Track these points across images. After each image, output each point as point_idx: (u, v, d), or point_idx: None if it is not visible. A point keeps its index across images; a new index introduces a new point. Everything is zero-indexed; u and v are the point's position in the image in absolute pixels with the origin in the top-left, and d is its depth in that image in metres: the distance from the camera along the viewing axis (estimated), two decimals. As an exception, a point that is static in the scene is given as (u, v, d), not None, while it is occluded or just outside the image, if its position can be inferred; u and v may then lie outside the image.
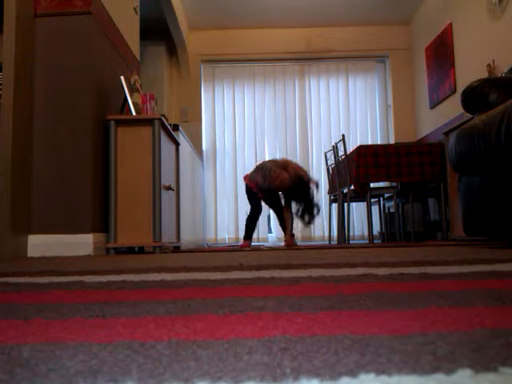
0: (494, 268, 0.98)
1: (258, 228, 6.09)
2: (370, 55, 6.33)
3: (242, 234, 6.07)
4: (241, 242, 6.06)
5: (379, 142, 6.23)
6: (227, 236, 6.10)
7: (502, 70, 4.04)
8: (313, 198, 3.44)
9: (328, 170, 5.17)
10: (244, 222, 3.92)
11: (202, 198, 5.54)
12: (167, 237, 3.15)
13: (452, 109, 5.00)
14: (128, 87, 3.06)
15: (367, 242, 4.72)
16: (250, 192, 3.81)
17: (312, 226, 5.67)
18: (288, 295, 0.65)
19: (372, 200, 4.67)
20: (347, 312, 0.51)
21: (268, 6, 5.70)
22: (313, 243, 5.55)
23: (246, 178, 3.85)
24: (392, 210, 5.42)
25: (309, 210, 3.40)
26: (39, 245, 2.64)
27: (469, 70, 4.65)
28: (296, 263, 1.30)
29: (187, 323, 0.47)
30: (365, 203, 4.64)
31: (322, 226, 6.02)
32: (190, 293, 0.71)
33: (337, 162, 4.67)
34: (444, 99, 5.23)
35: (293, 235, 3.86)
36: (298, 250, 2.76)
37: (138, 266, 1.35)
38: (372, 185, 4.41)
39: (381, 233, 5.07)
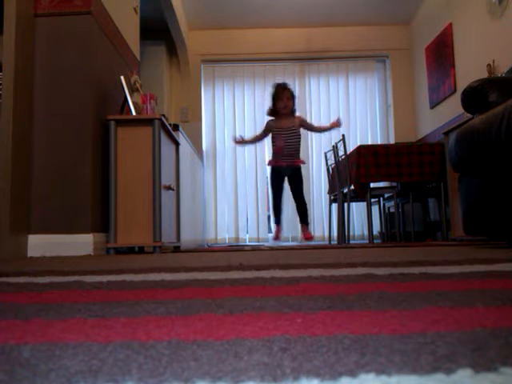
0: (494, 268, 0.98)
1: (258, 228, 6.09)
2: (370, 55, 6.33)
3: (241, 234, 6.10)
4: (241, 241, 6.10)
5: (379, 142, 6.23)
6: (227, 236, 6.10)
7: (502, 70, 4.04)
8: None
9: (328, 169, 5.18)
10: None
11: (202, 198, 5.54)
12: (167, 237, 3.15)
13: (452, 109, 5.00)
14: (128, 87, 3.06)
15: (367, 242, 4.72)
16: (274, 173, 3.86)
17: (312, 226, 5.69)
18: (288, 295, 0.65)
19: (372, 200, 4.67)
20: (347, 312, 0.51)
21: (268, 5, 5.70)
22: (313, 243, 5.55)
23: (269, 161, 3.94)
24: (392, 210, 5.42)
25: None
26: (39, 245, 2.64)
27: (469, 70, 4.65)
28: (296, 263, 1.30)
29: (187, 323, 0.47)
30: (365, 203, 4.64)
31: (322, 226, 6.02)
32: (189, 293, 0.71)
33: (337, 161, 4.67)
34: (444, 99, 5.23)
35: (307, 224, 3.93)
36: (299, 250, 2.76)
37: (137, 266, 1.35)
38: (372, 185, 4.41)
39: (381, 233, 5.07)
